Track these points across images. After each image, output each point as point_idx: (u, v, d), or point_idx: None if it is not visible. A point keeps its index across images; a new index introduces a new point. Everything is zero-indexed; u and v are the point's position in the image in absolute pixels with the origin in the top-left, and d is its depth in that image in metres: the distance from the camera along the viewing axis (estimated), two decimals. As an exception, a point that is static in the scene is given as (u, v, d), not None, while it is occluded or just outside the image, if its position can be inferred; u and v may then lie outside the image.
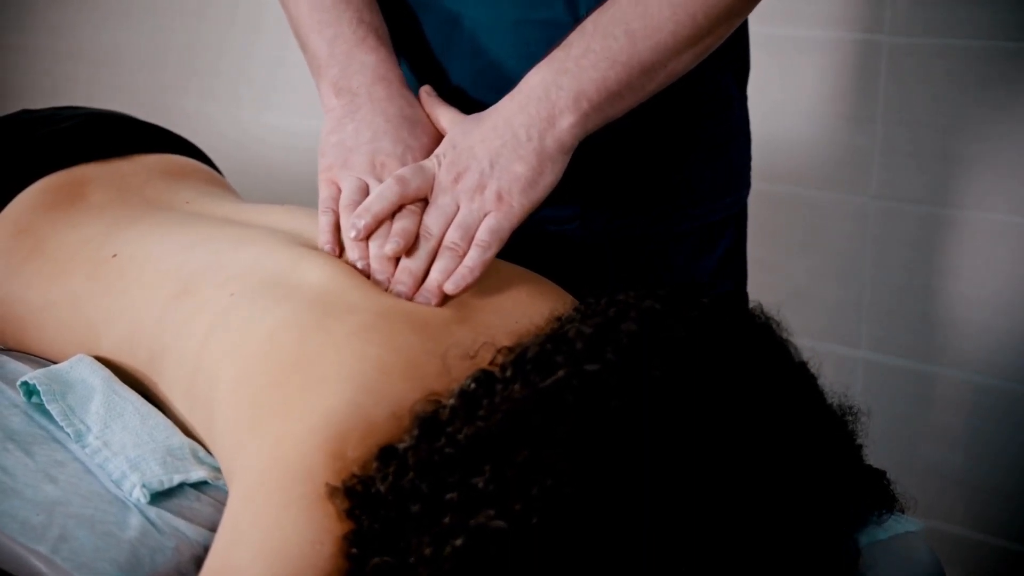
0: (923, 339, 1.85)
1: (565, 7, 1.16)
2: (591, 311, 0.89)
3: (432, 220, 1.04)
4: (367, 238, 1.03)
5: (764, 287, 1.95)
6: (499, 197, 1.04)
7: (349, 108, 1.11)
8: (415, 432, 0.84)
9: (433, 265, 1.02)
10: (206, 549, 0.88)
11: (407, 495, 0.81)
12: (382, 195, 1.03)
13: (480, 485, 0.79)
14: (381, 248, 1.02)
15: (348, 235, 1.03)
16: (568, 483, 0.77)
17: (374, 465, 0.83)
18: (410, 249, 1.02)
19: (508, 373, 0.86)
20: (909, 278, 1.84)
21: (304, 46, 1.19)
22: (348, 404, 0.87)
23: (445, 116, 1.12)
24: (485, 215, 1.04)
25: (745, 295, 1.37)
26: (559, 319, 0.91)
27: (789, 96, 1.90)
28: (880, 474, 0.98)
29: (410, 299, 1.00)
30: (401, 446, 0.83)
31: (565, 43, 1.08)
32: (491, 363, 0.89)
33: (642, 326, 0.84)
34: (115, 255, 1.08)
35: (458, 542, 0.77)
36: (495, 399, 0.83)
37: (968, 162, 1.77)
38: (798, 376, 0.90)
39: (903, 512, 1.00)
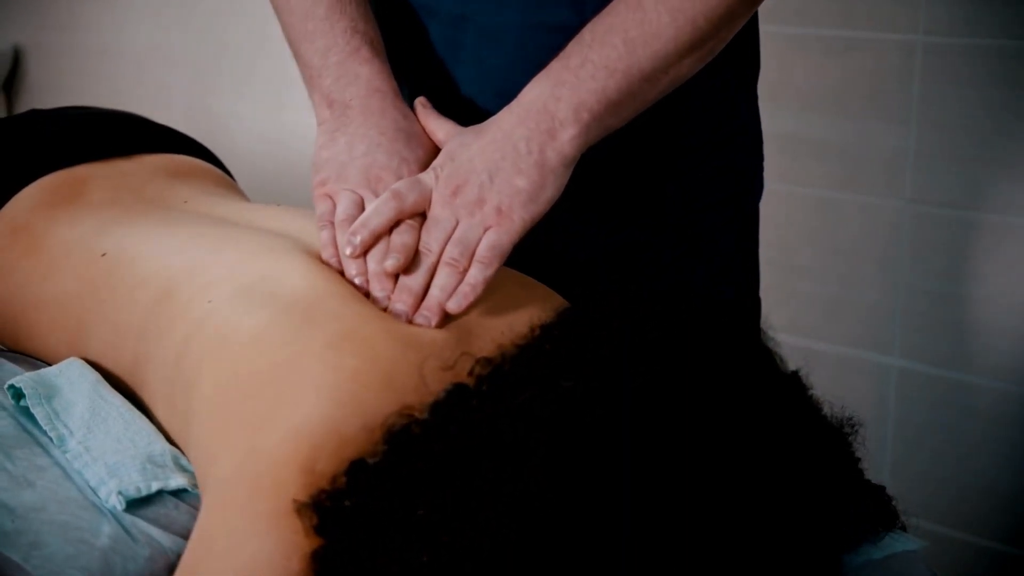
0: (958, 347, 1.80)
1: (571, 10, 1.14)
2: (572, 321, 0.87)
3: (431, 236, 1.01)
4: (364, 254, 1.00)
5: (794, 292, 1.92)
6: (499, 211, 1.01)
7: (342, 121, 1.09)
8: (386, 447, 0.82)
9: (432, 282, 0.99)
10: (181, 558, 0.87)
11: (376, 511, 0.79)
12: (379, 210, 1.01)
13: (449, 502, 0.77)
14: (379, 264, 0.99)
15: (344, 252, 1.00)
16: (538, 501, 0.75)
17: (343, 480, 0.81)
18: (409, 266, 1.00)
19: (483, 388, 0.84)
20: (944, 284, 1.80)
21: (297, 56, 1.16)
22: (321, 417, 0.86)
23: (441, 128, 1.10)
24: (485, 230, 1.01)
25: (758, 301, 1.34)
26: (541, 327, 0.89)
27: (822, 97, 1.86)
28: (878, 489, 0.94)
29: (410, 319, 0.97)
30: (371, 461, 0.82)
31: (563, 54, 1.06)
32: (469, 374, 0.87)
33: (621, 340, 0.82)
34: (104, 254, 1.07)
35: (424, 559, 0.75)
36: (469, 414, 0.81)
37: (1005, 165, 1.72)
38: (783, 388, 0.87)
39: (905, 530, 0.96)
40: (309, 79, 1.14)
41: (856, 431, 0.92)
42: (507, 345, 0.87)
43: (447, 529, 0.76)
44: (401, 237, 1.01)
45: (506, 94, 1.08)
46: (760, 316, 1.33)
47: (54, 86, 2.98)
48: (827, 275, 1.91)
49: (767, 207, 1.81)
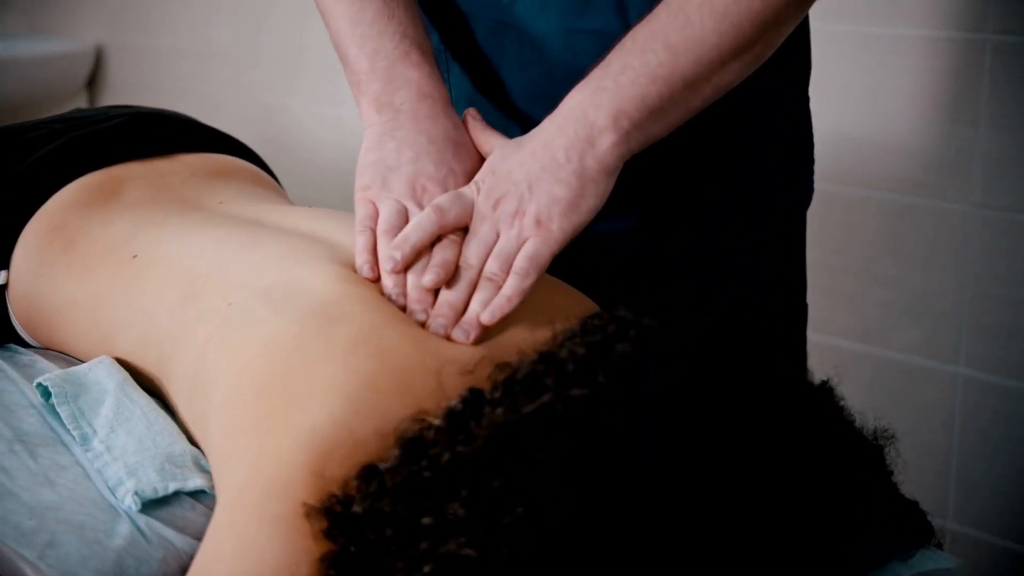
0: (1026, 356, 1.75)
1: (616, 16, 1.12)
2: (592, 328, 0.85)
3: (471, 250, 1.00)
4: (405, 270, 0.99)
5: (857, 298, 1.88)
6: (538, 222, 0.99)
7: (390, 125, 1.07)
8: (397, 453, 0.81)
9: (473, 297, 0.98)
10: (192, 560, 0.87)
11: (384, 517, 0.78)
12: (420, 225, 1.00)
13: (455, 511, 0.75)
14: (419, 280, 0.98)
15: (385, 267, 0.99)
16: (540, 514, 0.73)
17: (354, 484, 0.81)
18: (450, 281, 0.98)
19: (497, 394, 0.82)
20: (1013, 291, 1.74)
21: (344, 60, 1.14)
22: (334, 421, 0.85)
23: (488, 141, 1.08)
24: (524, 241, 0.99)
25: (804, 307, 1.30)
26: (562, 334, 0.87)
27: (889, 98, 1.81)
28: (911, 504, 0.91)
29: (448, 334, 0.96)
30: (382, 466, 0.80)
31: (604, 61, 1.03)
32: (488, 379, 0.85)
33: (636, 350, 0.80)
34: (135, 256, 1.08)
35: (427, 569, 0.74)
36: (481, 421, 0.80)
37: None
38: (809, 398, 0.84)
39: (941, 548, 0.93)
40: (356, 84, 1.12)
41: (890, 442, 0.89)
42: (527, 350, 0.85)
43: (451, 540, 0.74)
44: (442, 252, 0.99)
45: (549, 99, 1.06)
46: (806, 322, 1.30)
47: (133, 84, 3.02)
48: (890, 280, 1.86)
49: (831, 210, 1.77)
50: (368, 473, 0.80)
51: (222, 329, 0.95)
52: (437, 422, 0.81)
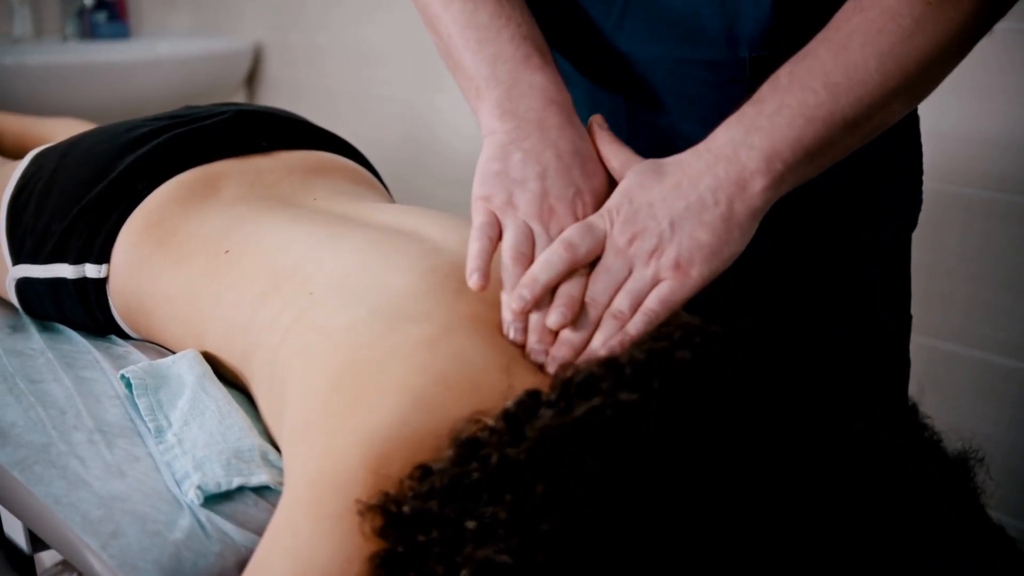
0: None
1: (726, 47, 1.07)
2: (662, 334, 0.83)
3: (600, 286, 0.94)
4: (533, 310, 0.94)
5: (1001, 309, 1.79)
6: (676, 265, 0.93)
7: (516, 134, 1.01)
8: (450, 453, 0.79)
9: (596, 334, 0.93)
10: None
11: (431, 519, 0.77)
12: (551, 263, 0.94)
13: (498, 515, 0.74)
14: (542, 318, 0.93)
15: (512, 306, 0.94)
16: (580, 521, 0.71)
17: (407, 484, 0.80)
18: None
19: (553, 396, 0.80)
20: None
21: (457, 67, 1.09)
22: (398, 420, 0.84)
23: (617, 157, 1.02)
24: (659, 282, 0.94)
25: (908, 319, 1.24)
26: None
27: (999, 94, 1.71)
28: (997, 530, 0.85)
29: None
30: (435, 466, 0.79)
31: (756, 98, 0.97)
32: (554, 379, 0.83)
33: (697, 355, 0.77)
34: (227, 251, 1.09)
35: (464, 574, 0.72)
36: (535, 423, 0.78)
37: None
38: (878, 419, 0.80)
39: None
40: (475, 90, 1.06)
41: (978, 463, 0.84)
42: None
43: (488, 544, 0.73)
44: (568, 288, 0.94)
45: (656, 126, 1.03)
46: (908, 334, 1.24)
47: (290, 81, 3.08)
48: (1007, 281, 1.76)
49: (959, 212, 1.69)
50: (421, 473, 0.79)
51: (298, 323, 0.95)
52: (491, 423, 0.80)
